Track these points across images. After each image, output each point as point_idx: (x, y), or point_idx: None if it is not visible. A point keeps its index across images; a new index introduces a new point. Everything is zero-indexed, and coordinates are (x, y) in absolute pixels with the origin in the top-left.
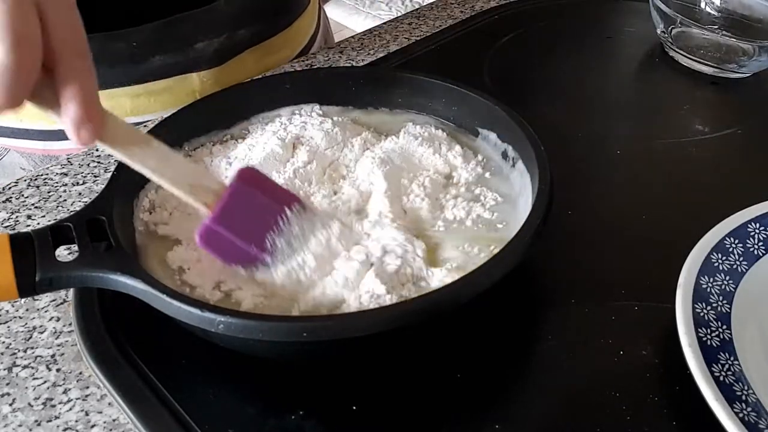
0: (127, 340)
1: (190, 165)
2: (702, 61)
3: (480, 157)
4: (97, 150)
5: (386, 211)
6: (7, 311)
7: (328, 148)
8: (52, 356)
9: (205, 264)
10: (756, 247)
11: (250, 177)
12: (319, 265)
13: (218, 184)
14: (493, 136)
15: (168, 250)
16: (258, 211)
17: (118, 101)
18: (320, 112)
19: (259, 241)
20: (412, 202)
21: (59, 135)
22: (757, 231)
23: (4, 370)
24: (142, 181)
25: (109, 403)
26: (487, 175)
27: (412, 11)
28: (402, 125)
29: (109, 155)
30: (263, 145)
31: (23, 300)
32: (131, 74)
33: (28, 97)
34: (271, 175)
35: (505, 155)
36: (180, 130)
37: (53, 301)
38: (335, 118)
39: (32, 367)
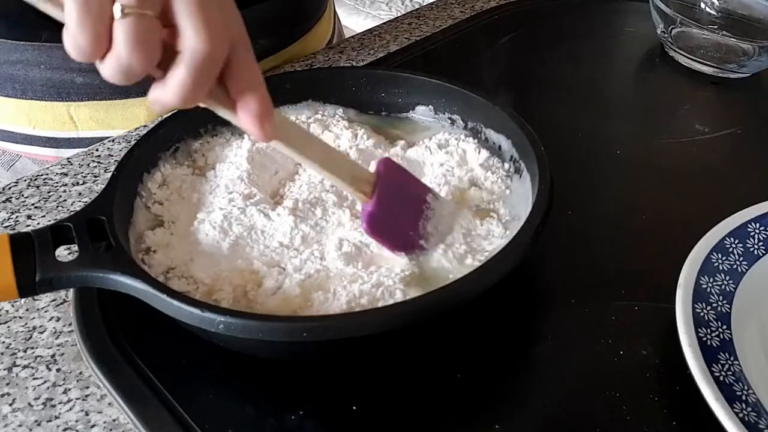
0: (127, 340)
1: (345, 156)
2: (702, 61)
3: (507, 166)
4: (97, 150)
5: None
6: (7, 311)
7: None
8: (52, 356)
9: (169, 250)
10: (756, 247)
11: (393, 167)
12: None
13: (369, 174)
14: (493, 135)
15: (150, 228)
16: (407, 199)
17: (133, 112)
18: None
19: (415, 225)
20: None
21: (71, 143)
22: (757, 231)
23: (4, 370)
24: (144, 172)
25: (109, 403)
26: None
27: (412, 11)
28: (404, 126)
29: (109, 155)
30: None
31: (23, 300)
32: (152, 83)
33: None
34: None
35: (503, 154)
36: (185, 124)
37: (53, 301)
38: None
39: (32, 367)
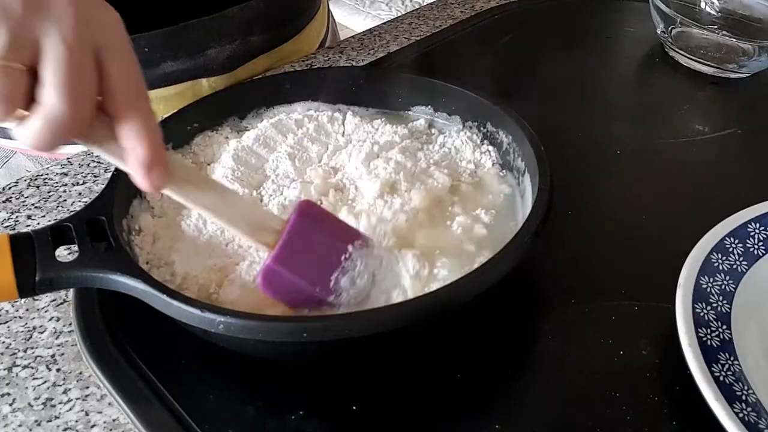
0: (127, 340)
1: (248, 203)
2: (702, 61)
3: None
4: None
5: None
6: (7, 311)
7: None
8: (52, 356)
9: (155, 239)
10: (756, 247)
11: (309, 213)
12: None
13: (278, 222)
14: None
15: (143, 212)
16: (320, 249)
17: None
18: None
19: (324, 281)
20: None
21: None
22: (757, 231)
23: (4, 370)
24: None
25: (109, 403)
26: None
27: (412, 11)
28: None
29: None
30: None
31: (23, 300)
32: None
33: (76, 138)
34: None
35: (505, 155)
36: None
37: (53, 301)
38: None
39: (32, 367)
